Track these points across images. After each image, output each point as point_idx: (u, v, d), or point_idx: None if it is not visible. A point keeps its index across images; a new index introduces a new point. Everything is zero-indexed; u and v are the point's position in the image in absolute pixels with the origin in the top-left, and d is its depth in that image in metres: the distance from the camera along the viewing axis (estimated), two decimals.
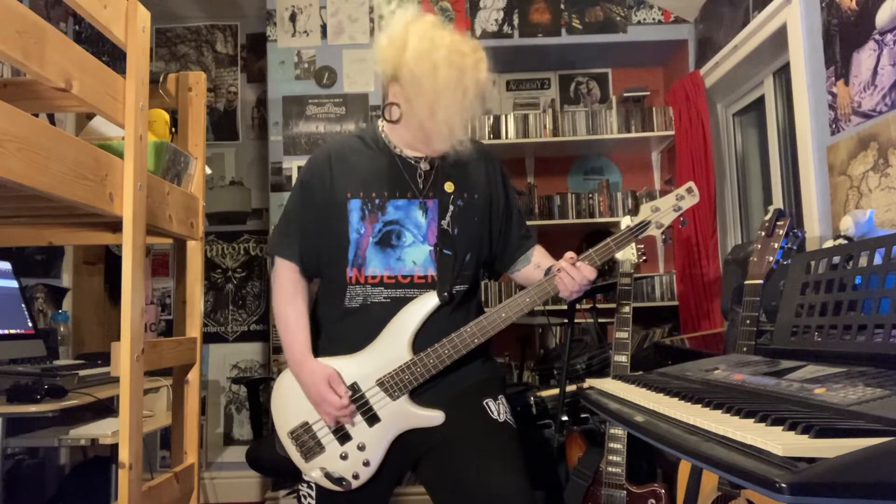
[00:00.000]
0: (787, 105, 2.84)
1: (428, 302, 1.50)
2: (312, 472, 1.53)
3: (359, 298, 1.54)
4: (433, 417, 1.50)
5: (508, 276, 1.75)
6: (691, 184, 1.60)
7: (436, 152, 1.54)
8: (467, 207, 1.57)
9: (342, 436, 1.52)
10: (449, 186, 1.56)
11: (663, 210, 1.58)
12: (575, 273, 1.47)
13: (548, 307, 3.29)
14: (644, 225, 1.57)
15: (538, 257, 1.69)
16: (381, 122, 1.61)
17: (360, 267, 1.53)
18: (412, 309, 1.50)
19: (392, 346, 1.50)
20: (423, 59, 1.39)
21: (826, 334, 1.20)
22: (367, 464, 1.51)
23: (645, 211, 1.59)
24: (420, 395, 1.52)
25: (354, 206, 1.53)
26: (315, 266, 1.59)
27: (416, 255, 1.53)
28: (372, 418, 1.51)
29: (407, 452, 1.54)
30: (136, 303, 1.49)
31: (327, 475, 1.52)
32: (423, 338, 1.50)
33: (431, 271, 1.53)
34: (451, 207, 1.55)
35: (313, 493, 1.57)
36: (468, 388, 1.56)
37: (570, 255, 1.51)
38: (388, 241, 1.52)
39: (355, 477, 1.51)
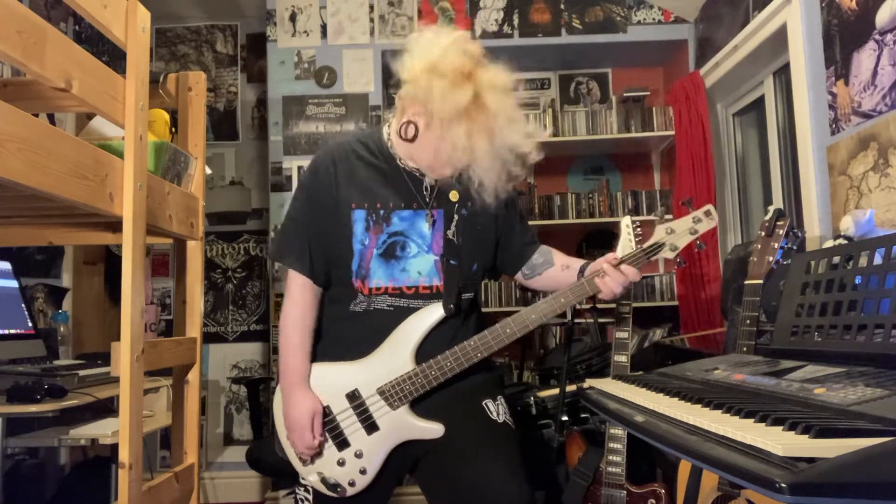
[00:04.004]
0: (787, 105, 2.84)
1: (433, 313, 1.49)
2: (310, 475, 1.53)
3: (362, 304, 1.53)
4: (433, 430, 1.49)
5: (524, 284, 1.71)
6: (710, 207, 1.55)
7: (440, 177, 1.50)
8: (472, 215, 1.55)
9: (340, 442, 1.51)
10: (454, 195, 1.53)
11: (679, 232, 1.53)
12: (617, 275, 1.47)
13: None
14: (658, 247, 1.53)
15: (561, 258, 1.65)
16: (385, 130, 1.56)
17: (363, 278, 1.51)
18: (417, 319, 1.49)
19: (395, 356, 1.49)
20: (460, 105, 1.32)
21: (826, 334, 1.20)
22: (363, 472, 1.50)
23: (659, 232, 1.54)
24: (419, 398, 1.51)
25: (359, 216, 1.50)
26: (324, 274, 1.55)
27: (421, 266, 1.51)
28: (371, 426, 1.50)
29: (405, 456, 1.53)
30: (136, 303, 1.49)
31: (324, 480, 1.51)
32: (427, 346, 1.49)
33: (437, 281, 1.51)
34: (456, 217, 1.54)
35: (310, 497, 1.57)
36: (467, 389, 1.55)
37: (612, 255, 1.51)
38: (392, 252, 1.51)
39: (351, 484, 1.51)
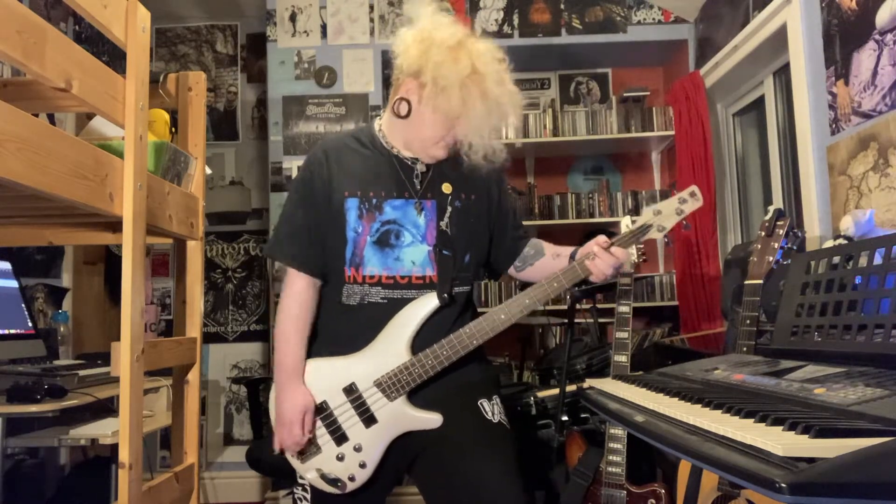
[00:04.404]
0: (787, 105, 2.84)
1: (428, 303, 1.50)
2: (308, 472, 1.53)
3: (356, 297, 1.53)
4: (431, 420, 1.49)
5: (517, 277, 1.73)
6: (694, 187, 1.58)
7: (432, 159, 1.53)
8: (465, 208, 1.57)
9: (339, 437, 1.51)
10: (447, 188, 1.56)
11: (665, 213, 1.56)
12: (608, 257, 1.48)
13: (548, 307, 3.29)
14: (645, 228, 1.55)
15: (551, 248, 1.67)
16: (377, 122, 1.60)
17: (357, 266, 1.52)
18: (412, 310, 1.50)
19: (391, 347, 1.49)
20: (453, 69, 1.38)
21: (826, 334, 1.20)
22: (363, 465, 1.50)
23: (647, 214, 1.57)
24: (415, 395, 1.51)
25: (352, 204, 1.52)
26: (322, 267, 1.56)
27: (415, 255, 1.52)
28: (369, 419, 1.50)
29: (403, 454, 1.53)
30: (136, 303, 1.49)
31: (323, 476, 1.51)
32: (422, 339, 1.49)
33: (430, 272, 1.52)
34: (450, 208, 1.55)
35: (308, 496, 1.57)
36: (463, 388, 1.55)
37: (602, 238, 1.52)
38: (386, 240, 1.52)
39: (351, 479, 1.51)
